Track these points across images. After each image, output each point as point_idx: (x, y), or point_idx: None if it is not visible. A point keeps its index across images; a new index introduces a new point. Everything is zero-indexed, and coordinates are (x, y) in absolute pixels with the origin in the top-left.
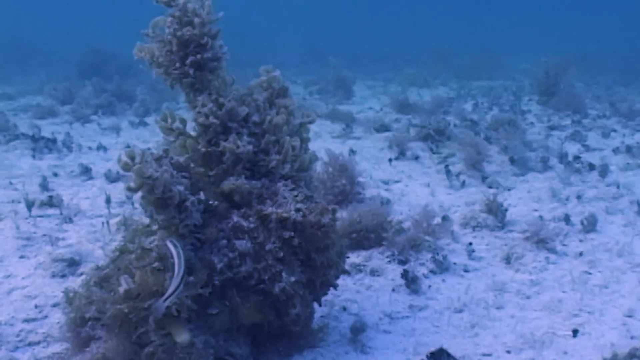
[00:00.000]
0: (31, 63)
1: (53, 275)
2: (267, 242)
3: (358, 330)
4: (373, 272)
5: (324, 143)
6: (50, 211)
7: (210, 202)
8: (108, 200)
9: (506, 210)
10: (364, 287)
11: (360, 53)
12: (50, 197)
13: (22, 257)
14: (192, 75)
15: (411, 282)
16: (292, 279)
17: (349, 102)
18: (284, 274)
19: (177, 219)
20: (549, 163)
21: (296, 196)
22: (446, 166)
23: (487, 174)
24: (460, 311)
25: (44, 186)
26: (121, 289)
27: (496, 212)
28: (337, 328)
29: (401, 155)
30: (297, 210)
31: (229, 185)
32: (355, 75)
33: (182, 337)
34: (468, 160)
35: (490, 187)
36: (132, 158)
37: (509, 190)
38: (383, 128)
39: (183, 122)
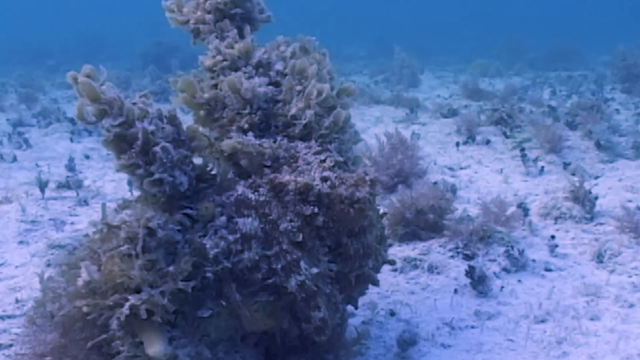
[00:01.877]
0: (99, 57)
1: (49, 264)
2: (282, 221)
3: (407, 342)
4: (431, 269)
5: (385, 128)
6: (67, 193)
7: (208, 168)
8: (130, 182)
9: (596, 198)
10: (419, 287)
11: (430, 46)
12: (68, 178)
13: (21, 242)
14: (208, 21)
15: (478, 282)
16: (315, 270)
17: (415, 90)
18: (303, 264)
19: (141, 168)
20: None
21: (323, 161)
22: (522, 149)
23: (570, 161)
24: (543, 321)
25: (71, 168)
26: (80, 280)
27: (583, 201)
28: (381, 339)
29: (470, 139)
30: (324, 179)
31: (232, 144)
32: (423, 67)
33: (155, 348)
34: (547, 145)
35: (573, 175)
36: (89, 76)
37: (596, 178)
38: (451, 113)
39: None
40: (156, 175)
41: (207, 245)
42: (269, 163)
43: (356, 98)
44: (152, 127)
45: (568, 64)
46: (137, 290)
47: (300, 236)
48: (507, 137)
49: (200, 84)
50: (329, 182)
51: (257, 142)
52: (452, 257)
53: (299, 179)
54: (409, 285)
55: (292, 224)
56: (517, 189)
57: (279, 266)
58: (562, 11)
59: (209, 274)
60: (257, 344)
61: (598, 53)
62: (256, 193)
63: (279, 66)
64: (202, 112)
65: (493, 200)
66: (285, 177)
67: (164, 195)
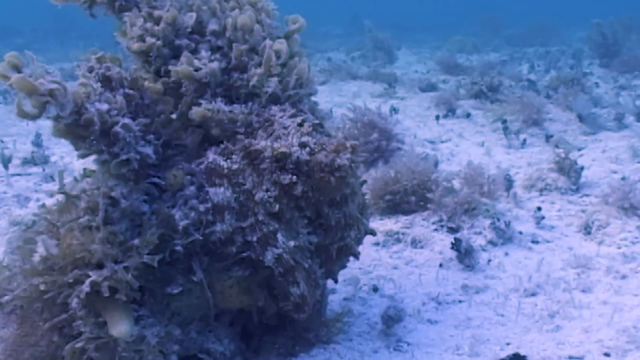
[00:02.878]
0: (70, 35)
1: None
2: (258, 190)
3: (393, 319)
4: (415, 243)
5: (363, 103)
6: (33, 170)
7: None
8: None
9: (581, 169)
10: (403, 262)
11: (406, 24)
12: (33, 154)
13: None
14: None
15: (465, 255)
16: (293, 243)
17: (392, 66)
18: (280, 237)
19: (105, 153)
20: (625, 121)
21: (300, 125)
22: (504, 121)
23: (552, 133)
24: (533, 294)
25: (37, 144)
26: (36, 256)
27: (569, 172)
28: (364, 316)
29: (450, 113)
30: (302, 145)
31: (201, 112)
32: (400, 44)
33: (120, 328)
34: (528, 118)
35: (557, 147)
36: (17, 67)
37: (579, 150)
38: (429, 88)
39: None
40: (123, 157)
41: (176, 216)
42: (242, 130)
43: (332, 73)
44: (105, 106)
45: (545, 40)
46: (99, 266)
47: (277, 207)
48: (487, 110)
49: (136, 72)
50: (307, 149)
51: (228, 108)
52: (436, 230)
53: (275, 144)
54: (392, 260)
55: (269, 193)
56: (500, 161)
57: (255, 238)
58: None
59: (178, 247)
60: (232, 322)
61: (575, 29)
62: (229, 160)
63: (213, 26)
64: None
65: (474, 168)
66: (261, 142)
67: (132, 172)
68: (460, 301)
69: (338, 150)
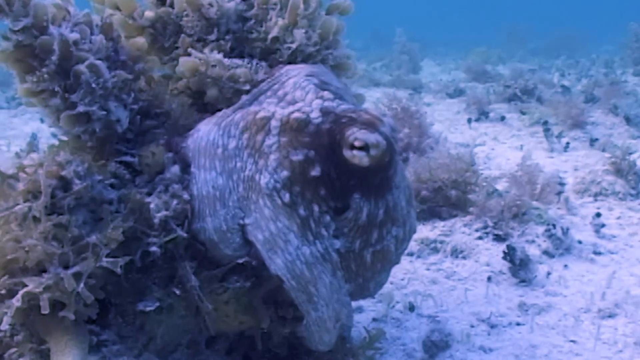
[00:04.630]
0: None
1: None
2: (262, 173)
3: (437, 346)
4: (456, 253)
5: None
6: None
7: (158, 100)
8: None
9: None
10: (443, 275)
11: (428, 38)
12: None
13: None
14: None
15: (520, 266)
16: (309, 250)
17: (415, 76)
18: (293, 237)
19: (57, 97)
20: None
21: (322, 86)
22: (544, 122)
23: (596, 137)
24: (611, 316)
25: (34, 145)
26: None
27: (627, 175)
28: (398, 341)
29: (482, 116)
30: (325, 112)
31: (191, 63)
32: (422, 55)
33: (67, 358)
34: (570, 120)
35: (603, 151)
36: None
37: (630, 154)
38: (457, 93)
39: None
40: (80, 108)
41: (152, 206)
42: (247, 87)
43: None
44: (74, 36)
45: (571, 52)
46: (41, 271)
47: (288, 196)
48: (523, 113)
49: (110, 17)
50: (332, 116)
51: (228, 61)
52: (480, 238)
53: (287, 110)
54: (430, 273)
55: (276, 176)
56: (543, 165)
57: (259, 238)
58: (562, 0)
59: (153, 248)
60: (230, 350)
61: (600, 42)
62: (225, 135)
63: None
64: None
65: (523, 167)
66: (270, 108)
67: (92, 137)
68: (518, 324)
69: (373, 121)
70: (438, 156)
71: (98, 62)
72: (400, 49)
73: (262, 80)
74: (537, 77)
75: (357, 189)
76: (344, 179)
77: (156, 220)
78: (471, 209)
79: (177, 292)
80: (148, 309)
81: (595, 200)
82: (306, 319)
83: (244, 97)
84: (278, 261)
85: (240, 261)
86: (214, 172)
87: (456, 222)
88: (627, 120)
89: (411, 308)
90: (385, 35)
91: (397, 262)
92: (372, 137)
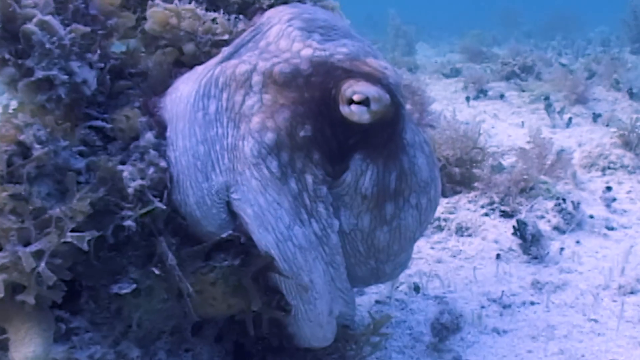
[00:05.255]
0: None
1: None
2: (245, 138)
3: (447, 328)
4: (461, 230)
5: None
6: None
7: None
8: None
9: None
10: (449, 254)
11: (422, 23)
12: None
13: None
14: None
15: (532, 242)
16: (301, 230)
17: (410, 58)
18: (284, 213)
19: (10, 64)
20: None
21: (309, 29)
22: (546, 98)
23: (599, 112)
24: (632, 293)
25: None
26: None
27: (636, 148)
28: (404, 324)
29: (481, 94)
30: (316, 63)
31: (160, 14)
32: (417, 39)
33: (25, 349)
34: (572, 97)
35: (607, 126)
36: None
37: (636, 129)
38: (454, 73)
39: None
40: (38, 74)
41: (125, 174)
42: (226, 37)
43: None
44: None
45: (566, 32)
46: None
47: (276, 164)
48: (523, 90)
49: None
50: (324, 68)
51: (201, 11)
52: (486, 214)
53: (271, 62)
54: (435, 252)
55: (261, 140)
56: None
57: (248, 212)
58: None
59: (128, 222)
60: (219, 337)
61: (595, 23)
62: (205, 95)
63: None
64: None
65: (532, 140)
66: (252, 60)
67: (59, 104)
68: (533, 302)
69: (373, 74)
70: (441, 132)
71: (48, 18)
72: (394, 32)
73: (244, 31)
74: (535, 55)
75: (358, 149)
76: (342, 137)
77: (130, 190)
78: (476, 185)
79: (157, 272)
80: (123, 291)
81: (604, 174)
82: (295, 312)
83: (225, 49)
84: (269, 237)
85: (225, 235)
86: (194, 139)
87: (460, 198)
88: (631, 94)
89: (416, 289)
90: (379, 20)
91: (421, 235)
92: (372, 90)
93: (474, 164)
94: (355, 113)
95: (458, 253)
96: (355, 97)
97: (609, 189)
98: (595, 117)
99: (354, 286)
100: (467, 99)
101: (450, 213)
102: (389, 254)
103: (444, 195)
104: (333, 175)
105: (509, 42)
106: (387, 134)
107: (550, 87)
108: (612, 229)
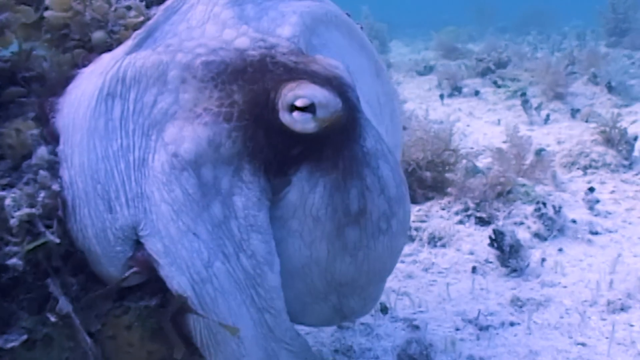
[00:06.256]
0: None
1: None
2: (158, 151)
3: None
4: (434, 240)
5: None
6: None
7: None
8: None
9: (635, 139)
10: (420, 268)
11: (395, 21)
12: None
13: None
14: None
15: (510, 254)
16: (223, 266)
17: (384, 55)
18: (202, 246)
19: None
20: None
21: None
22: (522, 94)
23: (577, 107)
24: (623, 309)
25: None
26: None
27: (618, 144)
28: (370, 353)
29: (456, 92)
30: (252, 57)
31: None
32: (390, 37)
33: None
34: (548, 92)
35: (586, 122)
36: None
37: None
38: (428, 70)
39: None
40: None
41: (7, 202)
42: (141, 19)
43: None
44: None
45: (542, 28)
46: None
47: (194, 183)
48: (498, 87)
49: None
50: (263, 63)
51: None
52: (460, 222)
53: (193, 53)
54: (405, 266)
55: (175, 152)
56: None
57: (158, 247)
58: None
59: (14, 260)
60: None
61: (569, 17)
62: (110, 95)
63: None
64: None
65: (508, 139)
66: (170, 50)
67: None
68: (512, 323)
69: (322, 73)
70: (411, 134)
71: None
72: (367, 31)
73: (153, 13)
74: (511, 50)
75: (304, 161)
76: (283, 148)
77: (14, 222)
78: (449, 190)
79: (52, 319)
80: (10, 345)
81: (585, 173)
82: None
83: (137, 33)
84: (182, 279)
85: (128, 274)
86: (93, 155)
87: (433, 205)
88: (609, 88)
89: (384, 310)
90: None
91: (393, 265)
92: (319, 94)
93: (447, 167)
94: (298, 122)
95: (430, 266)
96: (299, 103)
97: (591, 190)
98: (574, 112)
99: (314, 326)
100: (441, 96)
101: (422, 222)
102: (354, 288)
103: (415, 202)
104: (273, 193)
105: (484, 39)
106: (340, 142)
107: (530, 78)
108: (596, 233)
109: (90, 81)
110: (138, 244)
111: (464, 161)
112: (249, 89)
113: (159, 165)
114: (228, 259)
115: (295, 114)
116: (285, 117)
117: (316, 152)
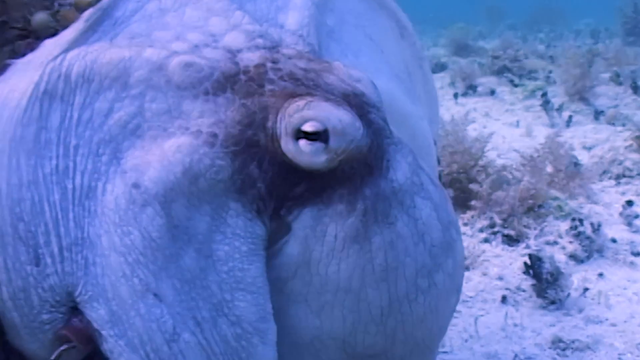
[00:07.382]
0: None
1: None
2: (109, 181)
3: None
4: None
5: None
6: None
7: None
8: None
9: None
10: None
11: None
12: None
13: None
14: None
15: (549, 283)
16: (192, 338)
17: None
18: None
19: None
20: None
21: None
22: (543, 94)
23: (601, 109)
24: None
25: None
26: None
27: None
28: None
29: (470, 90)
30: (247, 60)
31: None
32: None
33: None
34: (571, 90)
35: (612, 125)
36: None
37: None
38: (439, 68)
39: None
40: None
41: None
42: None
43: None
44: None
45: (553, 26)
46: None
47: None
48: (515, 85)
49: None
50: (261, 68)
51: None
52: (486, 240)
53: (167, 49)
54: None
55: (136, 182)
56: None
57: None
58: None
59: None
60: None
61: (580, 16)
62: (46, 96)
63: None
64: None
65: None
66: (135, 41)
67: None
68: None
69: (340, 87)
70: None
71: None
72: None
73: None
74: (527, 48)
75: (310, 201)
76: (283, 185)
77: None
78: (473, 203)
79: None
80: None
81: (618, 183)
82: None
83: (89, 13)
84: (135, 357)
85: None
86: (15, 177)
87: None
88: (635, 89)
89: None
90: None
91: (444, 329)
92: (334, 116)
93: (471, 179)
94: (305, 153)
95: None
96: (307, 127)
97: (629, 203)
98: (597, 114)
99: None
100: (455, 95)
101: None
102: (389, 358)
103: None
104: (268, 242)
105: (494, 36)
106: (360, 178)
107: (549, 76)
108: (638, 254)
109: (24, 74)
110: (74, 311)
111: (489, 169)
112: (240, 103)
113: (112, 198)
114: (201, 327)
115: (302, 142)
116: (288, 145)
117: (326, 190)
